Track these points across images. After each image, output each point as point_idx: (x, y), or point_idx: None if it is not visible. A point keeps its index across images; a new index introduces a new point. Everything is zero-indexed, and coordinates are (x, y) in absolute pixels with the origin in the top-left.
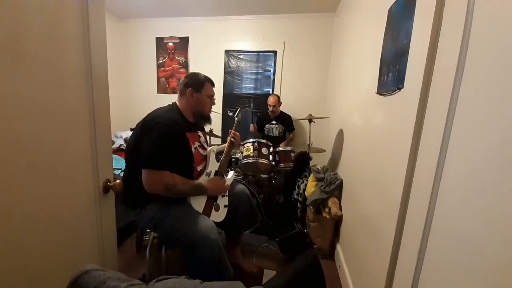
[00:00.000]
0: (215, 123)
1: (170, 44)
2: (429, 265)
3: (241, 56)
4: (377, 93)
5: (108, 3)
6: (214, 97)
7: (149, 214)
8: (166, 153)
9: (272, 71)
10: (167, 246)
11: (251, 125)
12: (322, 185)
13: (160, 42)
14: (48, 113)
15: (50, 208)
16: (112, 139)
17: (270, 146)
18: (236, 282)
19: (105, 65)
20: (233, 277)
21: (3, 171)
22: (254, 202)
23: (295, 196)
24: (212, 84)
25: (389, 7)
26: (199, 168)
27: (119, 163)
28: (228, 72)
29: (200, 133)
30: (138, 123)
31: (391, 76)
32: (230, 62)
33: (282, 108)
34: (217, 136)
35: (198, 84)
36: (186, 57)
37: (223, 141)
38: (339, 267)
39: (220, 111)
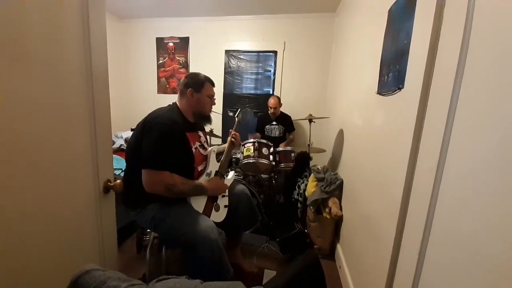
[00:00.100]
0: (216, 123)
1: (171, 44)
2: (430, 265)
3: (241, 56)
4: (377, 93)
5: (108, 3)
6: (214, 97)
7: (149, 214)
8: (166, 153)
9: (272, 71)
10: (167, 246)
11: (249, 135)
12: (322, 185)
13: (160, 42)
14: (48, 113)
15: (50, 208)
16: (113, 139)
17: (270, 146)
18: (236, 282)
19: (105, 65)
20: (233, 277)
21: (3, 171)
22: (254, 202)
23: (296, 196)
24: (212, 84)
25: (389, 7)
26: (199, 168)
27: (119, 163)
28: (228, 72)
29: (200, 133)
30: (139, 123)
31: (392, 76)
32: (231, 62)
33: (282, 108)
34: (217, 136)
35: (198, 84)
36: (186, 57)
37: (224, 141)
38: (340, 267)
39: (221, 111)
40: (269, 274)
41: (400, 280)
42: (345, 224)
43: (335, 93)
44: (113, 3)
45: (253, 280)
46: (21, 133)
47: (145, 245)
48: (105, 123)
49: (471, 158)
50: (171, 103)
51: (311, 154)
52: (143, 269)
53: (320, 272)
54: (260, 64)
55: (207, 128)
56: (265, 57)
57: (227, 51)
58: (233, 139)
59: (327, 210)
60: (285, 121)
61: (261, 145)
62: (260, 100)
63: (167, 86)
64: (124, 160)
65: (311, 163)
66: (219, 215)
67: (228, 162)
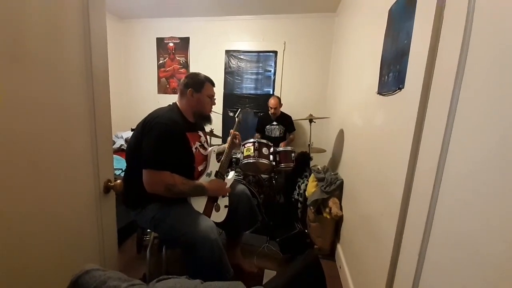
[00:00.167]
0: (216, 123)
1: (171, 44)
2: (430, 266)
3: (241, 56)
4: (377, 93)
5: (108, 3)
6: (215, 97)
7: (149, 214)
8: (166, 153)
9: (272, 71)
10: (167, 246)
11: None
12: (322, 185)
13: (160, 43)
14: (48, 113)
15: (51, 208)
16: (113, 139)
17: (270, 146)
18: (237, 282)
19: (105, 65)
20: (234, 277)
21: (3, 171)
22: (254, 202)
23: (296, 196)
24: (213, 84)
25: (389, 7)
26: (199, 168)
27: (119, 163)
28: (229, 72)
29: (200, 133)
30: (139, 123)
31: (392, 76)
32: (231, 62)
33: (282, 109)
34: (217, 136)
35: (198, 84)
36: (186, 57)
37: (224, 141)
38: (340, 267)
39: (221, 111)
40: (269, 274)
41: (400, 280)
42: (345, 224)
43: (335, 93)
44: (113, 3)
45: (253, 280)
46: (21, 133)
47: (145, 245)
48: (105, 123)
49: (471, 158)
50: (171, 103)
51: (311, 154)
52: (143, 269)
53: (320, 272)
54: (260, 64)
55: (207, 128)
56: (265, 57)
57: (227, 51)
58: (234, 140)
59: (327, 210)
60: (286, 121)
61: (261, 145)
62: (260, 100)
63: (167, 86)
64: (124, 160)
65: (311, 163)
66: (219, 215)
67: (228, 162)
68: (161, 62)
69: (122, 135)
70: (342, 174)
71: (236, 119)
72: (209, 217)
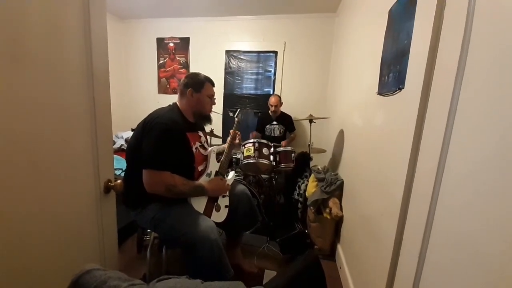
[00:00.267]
0: (216, 123)
1: (171, 44)
2: (430, 266)
3: (241, 57)
4: (377, 94)
5: (108, 3)
6: (215, 97)
7: (150, 214)
8: (166, 153)
9: (272, 71)
10: (168, 246)
11: (251, 134)
12: (322, 186)
13: (161, 43)
14: (48, 113)
15: (51, 208)
16: (113, 139)
17: (270, 147)
18: (237, 282)
19: (106, 65)
20: (234, 278)
21: (3, 171)
22: (254, 203)
23: (296, 197)
24: (212, 84)
25: (389, 8)
26: (200, 168)
27: (120, 163)
28: (229, 73)
29: (200, 133)
30: (139, 123)
31: (392, 76)
32: (231, 62)
33: (282, 109)
34: (217, 137)
35: (198, 84)
36: (186, 57)
37: (224, 142)
38: (340, 267)
39: (221, 111)
40: (269, 275)
41: (401, 280)
42: (346, 225)
43: (336, 94)
44: (113, 3)
45: (253, 280)
46: (21, 133)
47: (145, 245)
48: (106, 123)
49: (472, 158)
50: (171, 103)
51: (311, 154)
52: (143, 269)
53: (320, 272)
54: (261, 64)
55: (207, 128)
56: (266, 57)
57: (227, 51)
58: (235, 140)
59: (327, 210)
60: (286, 121)
61: (261, 145)
62: (260, 100)
63: (168, 86)
64: (124, 160)
65: (312, 163)
66: (219, 215)
67: (228, 162)
68: (161, 62)
69: (123, 135)
70: (342, 174)
71: (236, 119)
72: (209, 217)
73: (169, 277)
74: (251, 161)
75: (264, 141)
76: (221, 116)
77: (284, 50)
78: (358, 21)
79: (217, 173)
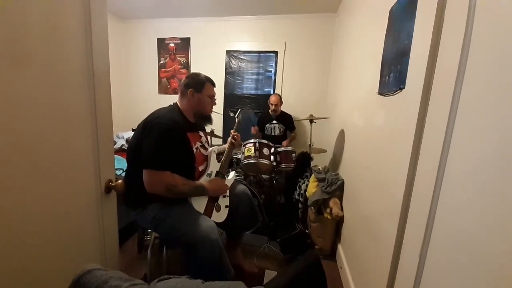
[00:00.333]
0: (216, 124)
1: (172, 44)
2: (431, 266)
3: (242, 57)
4: (378, 94)
5: (109, 3)
6: (215, 97)
7: (150, 214)
8: (167, 153)
9: (273, 71)
10: (168, 246)
11: (253, 128)
12: (323, 186)
13: (161, 43)
14: (48, 113)
15: (52, 208)
16: (114, 139)
17: (271, 147)
18: (238, 282)
19: (107, 65)
20: (234, 278)
21: (3, 171)
22: (255, 203)
23: (296, 197)
24: (213, 84)
25: (390, 8)
26: (200, 168)
27: (120, 163)
28: (229, 73)
29: (201, 133)
30: (140, 123)
31: (393, 76)
32: (231, 62)
33: (283, 108)
34: (218, 137)
35: (199, 84)
36: (187, 57)
37: (224, 142)
38: (341, 267)
39: (221, 112)
40: (270, 275)
41: (401, 281)
42: (346, 225)
43: (336, 94)
44: (114, 3)
45: (254, 280)
46: (21, 133)
47: (146, 245)
48: (106, 123)
49: (472, 158)
50: (172, 104)
51: (312, 155)
52: (144, 269)
53: (321, 272)
54: (261, 65)
55: (208, 128)
56: (266, 57)
57: (228, 52)
58: (233, 140)
59: (328, 210)
60: (286, 120)
61: (262, 145)
62: (260, 101)
63: (168, 86)
64: (125, 160)
65: (312, 164)
66: (220, 216)
67: (229, 162)
68: (162, 62)
69: (123, 135)
70: (342, 174)
71: (236, 119)
72: (210, 217)
73: (170, 277)
74: (252, 161)
75: (265, 141)
76: (222, 116)
77: (284, 50)
78: (359, 21)
79: (217, 173)
